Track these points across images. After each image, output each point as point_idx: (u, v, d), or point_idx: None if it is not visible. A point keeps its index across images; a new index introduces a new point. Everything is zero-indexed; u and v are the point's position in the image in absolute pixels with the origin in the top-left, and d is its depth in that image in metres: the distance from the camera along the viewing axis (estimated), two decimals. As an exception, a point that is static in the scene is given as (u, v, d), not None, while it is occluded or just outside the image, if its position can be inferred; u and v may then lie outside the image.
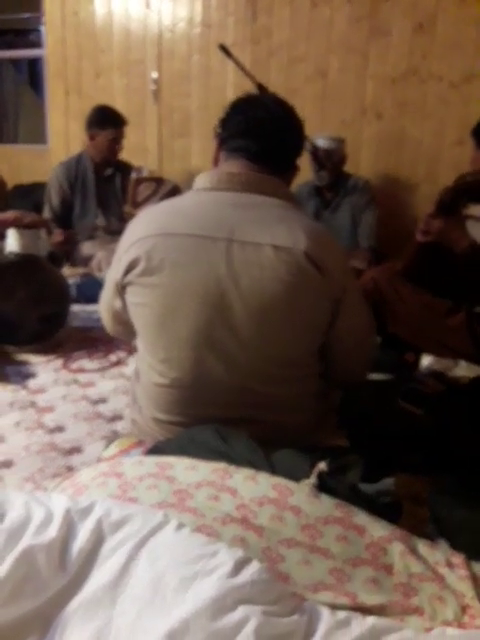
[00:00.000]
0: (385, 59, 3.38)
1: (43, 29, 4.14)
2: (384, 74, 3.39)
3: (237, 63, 2.49)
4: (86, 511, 0.86)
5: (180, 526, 0.81)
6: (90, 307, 2.72)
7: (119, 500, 0.92)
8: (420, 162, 3.45)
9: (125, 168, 3.30)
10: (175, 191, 2.91)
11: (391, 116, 3.44)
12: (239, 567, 0.75)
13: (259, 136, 1.15)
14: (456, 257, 1.66)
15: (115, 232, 3.33)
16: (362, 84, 3.45)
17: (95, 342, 2.23)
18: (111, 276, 1.25)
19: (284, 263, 1.06)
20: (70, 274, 2.95)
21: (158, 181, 2.98)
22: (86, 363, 2.05)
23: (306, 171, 2.92)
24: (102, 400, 1.76)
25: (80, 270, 3.06)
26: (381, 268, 2.04)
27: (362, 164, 3.15)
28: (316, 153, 2.71)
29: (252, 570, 0.75)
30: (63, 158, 3.66)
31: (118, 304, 1.24)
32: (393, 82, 3.39)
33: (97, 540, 0.82)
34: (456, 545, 1.02)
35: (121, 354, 2.12)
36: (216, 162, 1.23)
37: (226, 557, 0.76)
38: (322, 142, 3.01)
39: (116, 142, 3.18)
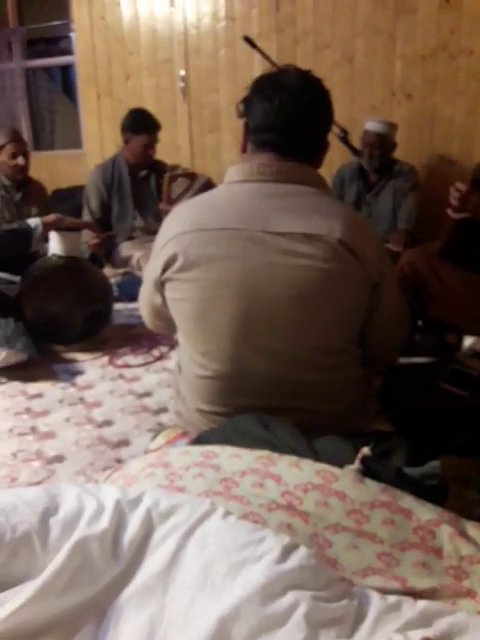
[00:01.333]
0: (412, 38, 3.30)
1: (73, 36, 4.23)
2: (412, 53, 3.31)
3: (262, 54, 2.48)
4: (136, 501, 0.89)
5: (227, 514, 0.83)
6: (132, 305, 2.78)
7: (167, 490, 0.94)
8: (453, 140, 3.36)
9: (159, 168, 3.34)
10: (208, 185, 2.93)
11: (421, 95, 3.36)
12: (287, 553, 0.76)
13: (286, 129, 1.13)
14: None
15: (153, 232, 3.38)
16: (390, 65, 3.38)
17: (138, 338, 2.29)
18: (149, 274, 1.27)
19: (319, 251, 1.07)
20: (111, 274, 3.02)
21: (191, 176, 3.00)
22: (130, 359, 2.10)
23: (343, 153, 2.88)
24: (147, 394, 1.81)
25: (121, 270, 3.12)
26: (417, 250, 2.01)
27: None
28: (345, 139, 2.67)
29: (300, 555, 0.76)
30: (98, 161, 3.74)
31: (158, 300, 1.26)
32: (422, 60, 3.31)
33: (147, 530, 0.85)
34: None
35: (163, 349, 2.17)
36: (244, 149, 1.22)
37: (273, 543, 0.77)
38: (373, 125, 2.95)
39: (150, 146, 3.21)
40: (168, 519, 0.85)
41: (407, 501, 0.85)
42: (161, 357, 2.11)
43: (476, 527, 0.84)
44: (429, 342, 1.92)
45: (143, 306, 1.39)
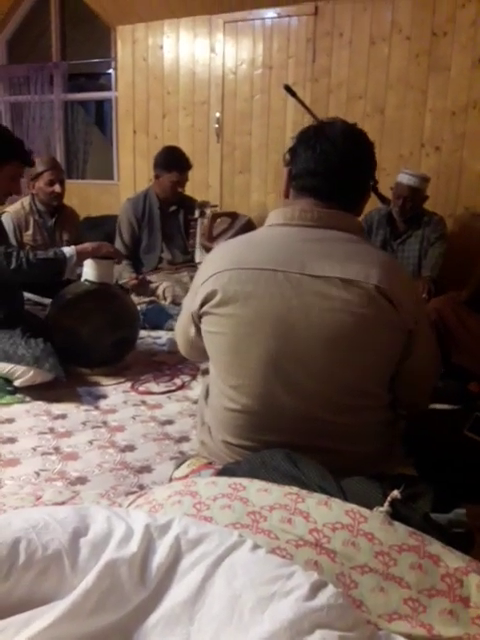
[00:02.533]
0: (444, 93, 3.41)
1: (113, 73, 4.43)
2: (443, 108, 3.42)
3: (300, 102, 2.58)
4: (165, 528, 0.90)
5: (256, 547, 0.84)
6: (155, 333, 2.84)
7: (194, 518, 0.95)
8: (480, 194, 3.43)
9: (189, 204, 3.44)
10: (249, 225, 3.02)
11: (450, 149, 3.45)
12: (315, 590, 0.76)
13: (327, 176, 1.17)
14: None
15: (178, 264, 3.46)
16: (420, 118, 3.48)
17: (160, 366, 2.33)
18: (187, 306, 1.31)
19: (355, 296, 1.09)
20: (137, 302, 3.08)
21: (233, 216, 3.09)
22: (153, 386, 2.13)
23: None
24: (169, 422, 1.82)
25: (146, 299, 3.19)
26: (444, 298, 2.04)
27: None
28: (374, 187, 2.73)
29: (328, 594, 0.76)
30: (130, 193, 3.87)
31: (193, 331, 1.31)
32: (452, 115, 3.41)
33: (175, 556, 0.85)
34: None
35: (185, 378, 2.20)
36: (287, 194, 1.27)
37: (302, 579, 0.78)
38: (407, 179, 3.01)
39: (179, 184, 3.31)
40: (197, 547, 0.86)
41: (435, 547, 0.85)
42: (183, 386, 2.13)
43: None
44: (452, 389, 1.92)
45: (179, 335, 1.43)
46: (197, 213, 3.39)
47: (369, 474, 1.11)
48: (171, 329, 2.92)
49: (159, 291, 3.23)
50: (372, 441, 1.20)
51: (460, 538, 0.98)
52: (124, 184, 4.35)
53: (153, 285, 3.30)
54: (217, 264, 1.19)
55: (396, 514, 0.91)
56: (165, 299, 3.19)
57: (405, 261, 3.13)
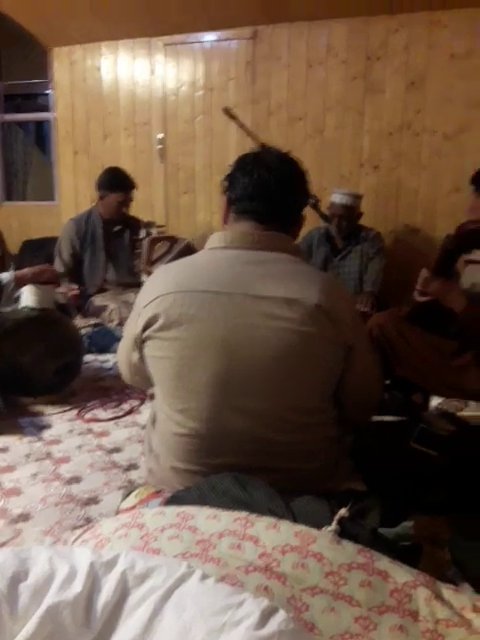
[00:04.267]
0: (380, 115, 3.55)
1: (51, 94, 4.37)
2: (380, 129, 3.56)
3: (241, 125, 2.62)
4: (110, 564, 0.86)
5: (204, 576, 0.82)
6: (102, 356, 2.77)
7: (141, 551, 0.92)
8: (417, 210, 3.58)
9: (134, 224, 3.43)
10: (189, 248, 3.02)
11: (388, 168, 3.58)
12: (266, 617, 0.75)
13: (265, 199, 1.21)
14: (455, 315, 1.72)
15: (125, 284, 3.42)
16: (359, 139, 3.61)
17: (108, 391, 2.27)
18: (129, 331, 1.29)
19: (297, 315, 1.11)
20: (82, 324, 3.01)
21: (172, 240, 3.08)
22: (100, 413, 2.07)
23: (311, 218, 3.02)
24: (117, 449, 1.77)
25: (92, 321, 3.12)
26: (386, 314, 2.09)
27: (363, 214, 3.25)
28: (316, 206, 2.81)
29: (279, 620, 0.75)
30: (72, 214, 3.80)
31: (136, 357, 1.29)
32: (389, 136, 3.55)
33: (122, 593, 0.82)
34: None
35: (133, 402, 2.15)
36: (225, 220, 1.29)
37: (252, 607, 0.76)
38: (340, 198, 3.11)
39: (123, 204, 3.31)
40: (144, 582, 0.83)
41: (383, 563, 0.86)
42: (131, 411, 2.09)
43: (451, 590, 0.85)
44: (397, 401, 1.97)
45: (121, 361, 1.40)
46: (143, 233, 3.37)
47: (318, 491, 1.12)
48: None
49: (106, 313, 3.17)
50: (320, 457, 1.21)
51: (408, 551, 0.99)
52: (65, 205, 4.28)
53: (99, 305, 3.24)
54: (159, 287, 1.19)
55: (344, 532, 0.91)
56: (112, 321, 3.13)
57: (346, 277, 3.21)
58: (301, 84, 3.66)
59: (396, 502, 1.19)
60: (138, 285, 3.42)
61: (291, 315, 1.11)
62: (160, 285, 1.19)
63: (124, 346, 1.35)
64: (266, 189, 1.21)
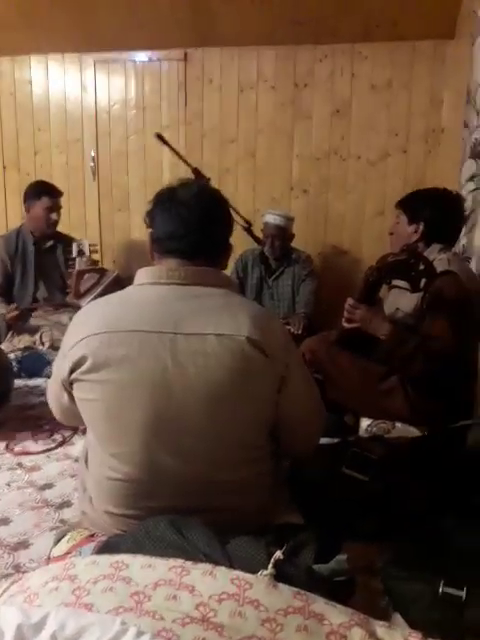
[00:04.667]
0: (308, 140, 3.67)
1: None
2: (308, 154, 3.68)
3: (173, 150, 2.63)
4: (39, 626, 0.83)
5: (139, 633, 0.81)
6: (33, 382, 2.69)
7: (73, 607, 0.90)
8: (344, 232, 3.72)
9: (66, 241, 3.35)
10: (117, 280, 2.97)
11: (316, 192, 3.71)
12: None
13: (186, 238, 1.20)
14: (380, 340, 1.82)
15: (57, 304, 3.34)
16: (289, 163, 3.71)
17: (38, 420, 2.19)
18: (57, 372, 1.25)
19: (228, 350, 1.11)
20: (10, 349, 2.91)
21: (101, 271, 3.03)
22: (30, 444, 1.99)
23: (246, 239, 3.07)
24: (48, 485, 1.71)
25: (21, 345, 3.02)
26: (317, 338, 2.16)
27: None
28: (248, 229, 2.87)
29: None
30: (2, 231, 3.67)
31: (65, 399, 1.25)
32: (317, 160, 3.67)
33: (52, 657, 0.81)
34: (410, 620, 1.07)
35: (66, 433, 2.07)
36: (152, 255, 1.28)
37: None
38: (273, 219, 3.18)
39: (51, 210, 3.23)
40: None
41: (319, 605, 0.87)
42: (63, 442, 2.03)
43: (384, 627, 0.88)
44: (330, 422, 2.03)
45: (51, 400, 1.36)
46: (75, 252, 3.30)
47: (255, 526, 1.12)
48: (50, 376, 2.78)
49: (36, 336, 3.08)
50: (258, 493, 1.21)
51: (342, 586, 1.03)
52: (-7, 222, 4.12)
53: (29, 326, 3.14)
54: (86, 327, 1.15)
55: (280, 574, 0.93)
56: (43, 344, 3.04)
57: (280, 297, 3.30)
58: (233, 107, 3.72)
59: (331, 531, 1.21)
60: (69, 304, 3.35)
61: (221, 351, 1.10)
62: (87, 325, 1.16)
63: (53, 386, 1.30)
64: (186, 228, 1.20)
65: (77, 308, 2.82)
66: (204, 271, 1.20)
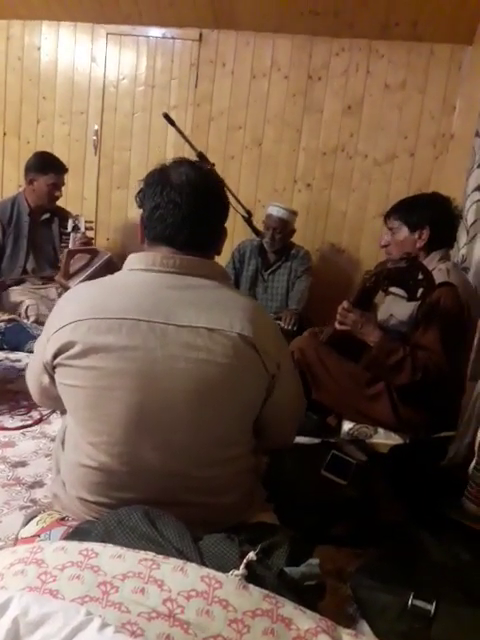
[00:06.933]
0: (317, 134, 3.63)
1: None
2: (315, 148, 3.63)
3: (179, 131, 2.58)
4: (2, 609, 0.81)
5: (103, 625, 0.79)
6: (14, 355, 2.64)
7: (38, 592, 0.88)
8: (344, 231, 3.69)
9: (63, 215, 3.30)
10: (109, 263, 2.91)
11: (319, 187, 3.67)
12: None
13: (179, 226, 1.13)
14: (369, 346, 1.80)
15: (45, 277, 3.28)
16: (294, 155, 3.67)
17: (16, 395, 2.15)
18: (38, 354, 1.20)
19: (219, 345, 1.08)
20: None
21: (92, 252, 2.97)
22: (6, 420, 1.96)
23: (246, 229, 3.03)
24: (22, 463, 1.67)
25: (6, 317, 2.97)
26: (307, 337, 2.14)
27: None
28: (248, 220, 2.83)
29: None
30: (-4, 198, 3.61)
31: (46, 380, 1.21)
32: (323, 155, 3.63)
33: (12, 642, 0.79)
34: (377, 629, 1.06)
35: (44, 411, 2.03)
36: (142, 239, 1.22)
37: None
38: (277, 211, 3.13)
39: (56, 188, 3.19)
40: (37, 630, 0.79)
41: (288, 609, 0.87)
42: (41, 420, 2.00)
43: (351, 635, 0.88)
44: (312, 423, 2.03)
45: (31, 383, 1.31)
46: (70, 227, 3.25)
47: (230, 524, 1.11)
48: (32, 351, 2.73)
49: (22, 309, 3.03)
50: (234, 491, 1.19)
51: (312, 590, 1.02)
52: (-12, 188, 4.04)
53: (15, 300, 3.09)
54: (74, 312, 1.10)
55: (251, 574, 0.92)
56: (28, 318, 2.99)
57: (274, 291, 3.27)
58: (243, 94, 3.67)
59: (304, 533, 1.20)
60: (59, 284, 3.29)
61: (212, 346, 1.07)
62: (75, 309, 1.11)
63: (34, 367, 1.26)
64: (180, 215, 1.13)
65: (64, 288, 2.77)
66: (199, 262, 1.15)
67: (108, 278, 1.21)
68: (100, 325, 1.07)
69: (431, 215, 1.90)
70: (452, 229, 1.98)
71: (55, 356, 1.11)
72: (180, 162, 1.19)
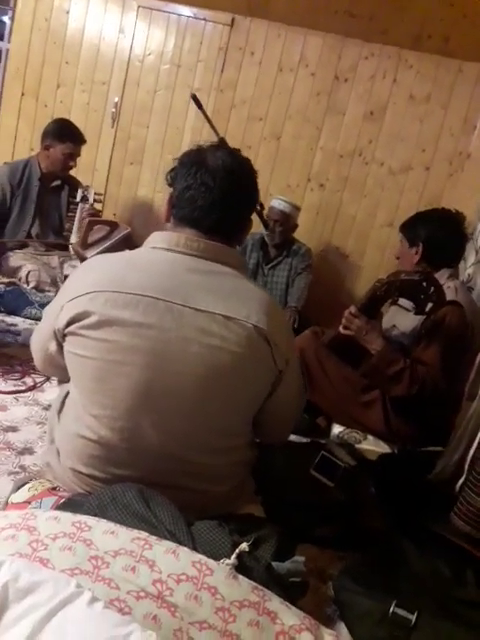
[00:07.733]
0: (336, 136, 3.62)
1: (8, 23, 4.02)
2: (333, 149, 3.62)
3: (204, 113, 2.56)
4: None
5: (93, 600, 0.79)
6: (11, 319, 2.62)
7: (28, 559, 0.88)
8: (350, 236, 3.70)
9: (73, 183, 3.27)
10: (128, 239, 2.88)
11: (332, 188, 3.66)
12: (150, 651, 0.75)
13: (208, 210, 1.12)
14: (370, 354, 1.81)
15: (48, 244, 3.25)
16: (311, 154, 3.65)
17: (11, 360, 2.13)
18: (49, 320, 1.18)
19: (234, 334, 1.08)
20: (-6, 282, 2.83)
21: (112, 225, 2.93)
22: (-1, 384, 1.95)
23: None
24: (13, 428, 1.66)
25: (5, 279, 2.93)
26: (309, 337, 2.14)
27: (299, 228, 3.30)
28: (260, 212, 2.82)
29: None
30: (8, 158, 3.56)
31: (53, 347, 1.20)
32: (340, 157, 3.63)
33: (1, 607, 0.79)
34: (356, 634, 1.07)
35: (38, 378, 2.02)
36: (167, 218, 1.21)
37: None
38: (279, 204, 3.12)
39: (71, 158, 3.15)
40: (26, 597, 0.79)
41: (274, 603, 0.87)
42: (34, 387, 1.98)
43: (333, 636, 0.89)
44: (304, 422, 2.03)
45: (36, 348, 1.29)
46: (79, 196, 3.21)
47: (220, 513, 1.11)
48: (30, 317, 2.72)
49: (22, 273, 2.99)
50: (230, 480, 1.20)
51: (295, 587, 1.03)
52: (2, 147, 3.97)
53: (15, 265, 3.05)
54: (92, 282, 1.10)
55: (241, 565, 0.92)
56: (28, 283, 2.96)
57: (274, 286, 3.27)
58: (268, 85, 3.64)
59: (291, 530, 1.21)
60: (63, 247, 3.26)
61: (227, 334, 1.07)
62: (95, 279, 1.10)
63: (41, 333, 1.24)
64: (210, 199, 1.12)
65: (81, 258, 2.75)
66: (223, 248, 1.15)
67: (129, 253, 1.20)
68: (118, 299, 1.07)
69: (425, 233, 1.93)
70: (454, 248, 1.98)
71: (68, 324, 1.10)
72: (217, 146, 1.20)
